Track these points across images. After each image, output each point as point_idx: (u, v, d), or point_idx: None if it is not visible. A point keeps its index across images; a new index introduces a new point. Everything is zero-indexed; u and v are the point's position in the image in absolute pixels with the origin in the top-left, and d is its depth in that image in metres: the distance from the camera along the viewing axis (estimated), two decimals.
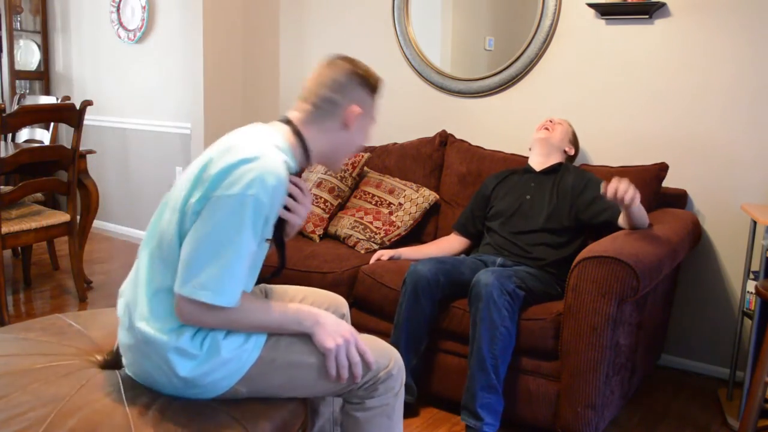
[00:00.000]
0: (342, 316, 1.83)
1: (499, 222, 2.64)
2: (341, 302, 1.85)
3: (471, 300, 2.22)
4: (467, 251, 2.77)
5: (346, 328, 1.49)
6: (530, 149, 2.79)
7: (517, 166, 2.84)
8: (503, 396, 2.20)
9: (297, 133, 1.53)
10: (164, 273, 1.43)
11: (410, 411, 2.40)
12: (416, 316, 2.34)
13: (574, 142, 2.79)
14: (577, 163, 2.90)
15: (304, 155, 1.54)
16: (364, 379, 1.49)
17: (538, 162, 2.72)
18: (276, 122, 1.57)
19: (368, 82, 1.61)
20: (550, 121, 2.75)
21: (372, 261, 2.69)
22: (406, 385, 2.29)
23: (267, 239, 1.48)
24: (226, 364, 1.42)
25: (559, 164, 2.69)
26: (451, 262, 2.44)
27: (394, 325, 2.38)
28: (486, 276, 2.19)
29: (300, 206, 1.52)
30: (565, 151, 2.73)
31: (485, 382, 2.15)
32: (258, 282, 1.66)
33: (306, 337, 1.49)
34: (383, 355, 1.53)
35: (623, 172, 2.72)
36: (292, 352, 1.47)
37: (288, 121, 1.55)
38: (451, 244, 2.79)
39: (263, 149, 1.41)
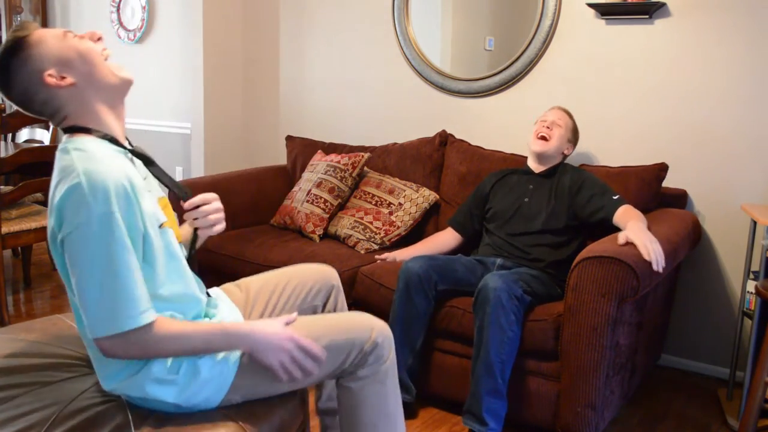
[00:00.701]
0: (331, 288, 1.82)
1: (498, 224, 2.64)
2: (330, 274, 1.83)
3: (478, 304, 2.20)
4: (461, 247, 2.77)
5: (284, 337, 1.41)
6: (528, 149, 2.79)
7: (516, 166, 2.83)
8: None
9: (81, 129, 1.39)
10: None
11: (409, 411, 2.40)
12: (409, 313, 2.33)
13: (574, 139, 2.73)
14: (577, 162, 2.89)
15: (94, 130, 1.40)
16: (351, 357, 1.50)
17: (536, 166, 2.72)
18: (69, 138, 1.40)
19: (13, 50, 1.36)
20: (548, 128, 2.66)
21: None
22: (404, 385, 2.29)
23: (160, 225, 1.39)
24: (209, 382, 1.41)
25: (557, 165, 2.69)
26: (443, 260, 2.44)
27: (388, 324, 2.37)
28: (494, 280, 2.18)
29: (206, 219, 1.53)
30: (563, 153, 2.72)
31: (492, 386, 2.14)
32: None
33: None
34: (361, 329, 1.53)
35: (623, 172, 2.72)
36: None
37: (69, 130, 1.41)
38: (445, 239, 2.79)
39: (78, 165, 1.28)
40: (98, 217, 1.25)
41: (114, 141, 1.42)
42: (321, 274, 1.82)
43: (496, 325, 2.13)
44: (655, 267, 2.06)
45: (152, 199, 1.41)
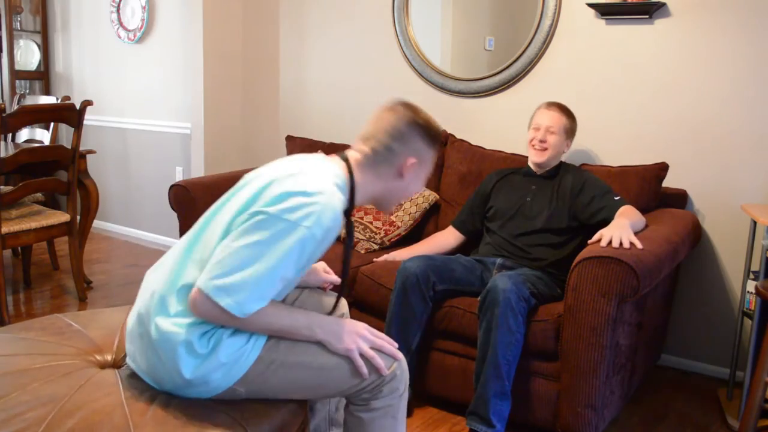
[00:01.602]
0: (342, 316, 1.83)
1: (499, 223, 2.64)
2: (341, 302, 1.85)
3: (486, 305, 2.19)
4: (462, 247, 2.77)
5: (359, 325, 1.52)
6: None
7: (518, 166, 2.83)
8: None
9: (351, 174, 1.55)
10: (194, 273, 1.44)
11: (407, 410, 2.40)
12: (406, 313, 2.33)
13: (570, 134, 2.68)
14: (577, 162, 2.89)
15: (350, 197, 1.56)
16: (366, 381, 1.49)
17: (537, 168, 2.71)
18: (336, 157, 1.59)
19: (428, 134, 1.60)
20: (541, 140, 2.60)
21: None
22: None
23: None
24: (223, 366, 1.42)
25: (558, 166, 2.69)
26: (441, 260, 2.44)
27: (385, 323, 2.38)
28: (503, 282, 2.17)
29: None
30: (562, 152, 2.71)
31: (499, 388, 2.14)
32: None
33: (307, 341, 1.49)
34: (386, 357, 1.52)
35: (623, 171, 2.72)
36: (292, 354, 1.47)
37: (346, 159, 1.58)
38: (446, 239, 2.79)
39: (327, 186, 1.43)
40: (309, 231, 1.38)
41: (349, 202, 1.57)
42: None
43: (505, 327, 2.12)
44: (627, 246, 2.08)
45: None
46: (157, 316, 1.44)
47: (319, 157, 1.58)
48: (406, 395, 1.57)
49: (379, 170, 1.57)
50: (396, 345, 1.55)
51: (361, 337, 1.50)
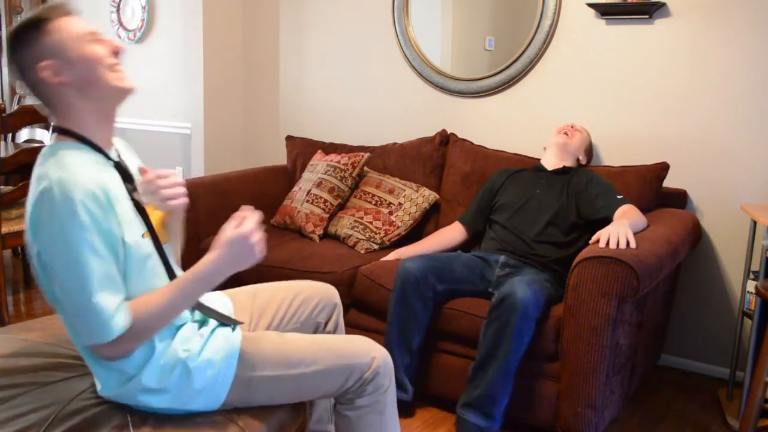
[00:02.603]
0: (334, 307, 1.83)
1: (506, 216, 2.64)
2: (333, 293, 1.85)
3: (500, 309, 2.16)
4: (467, 243, 2.77)
5: (240, 239, 1.34)
6: (545, 148, 2.82)
7: (522, 166, 2.85)
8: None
9: (63, 131, 1.36)
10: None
11: (407, 410, 2.40)
12: (405, 314, 2.34)
13: (589, 152, 2.83)
14: None
15: (88, 141, 1.37)
16: (350, 382, 1.50)
17: (551, 162, 2.73)
18: (52, 139, 1.39)
19: (31, 27, 1.32)
20: (572, 127, 2.78)
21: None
22: (401, 384, 2.29)
23: (141, 235, 1.37)
24: (201, 392, 1.41)
25: (570, 168, 2.71)
26: (443, 260, 2.44)
27: (387, 324, 2.38)
28: (522, 290, 2.15)
29: (161, 191, 1.39)
30: (578, 159, 2.76)
31: (506, 389, 2.18)
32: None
33: (281, 351, 1.48)
34: (363, 356, 1.52)
35: (623, 171, 2.72)
36: (268, 369, 1.46)
37: (56, 130, 1.38)
38: (451, 236, 2.79)
39: (52, 173, 1.26)
40: (65, 227, 1.23)
41: (96, 149, 1.38)
42: (325, 293, 1.83)
43: (518, 334, 2.13)
44: (623, 245, 2.08)
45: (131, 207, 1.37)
46: (99, 388, 1.43)
47: (48, 150, 1.36)
48: (392, 391, 1.57)
49: (54, 102, 1.35)
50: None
51: (250, 247, 1.35)
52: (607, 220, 2.43)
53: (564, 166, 2.71)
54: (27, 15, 1.34)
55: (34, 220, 1.27)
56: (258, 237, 1.36)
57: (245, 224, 1.36)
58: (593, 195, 2.53)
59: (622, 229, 2.16)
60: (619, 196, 2.49)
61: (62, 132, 1.37)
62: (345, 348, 1.54)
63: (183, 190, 1.44)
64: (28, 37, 1.32)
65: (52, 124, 1.41)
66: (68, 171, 1.27)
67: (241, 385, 1.44)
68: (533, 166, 2.79)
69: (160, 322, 1.36)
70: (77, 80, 1.34)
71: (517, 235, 2.57)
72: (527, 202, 2.62)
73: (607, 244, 2.12)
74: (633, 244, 2.11)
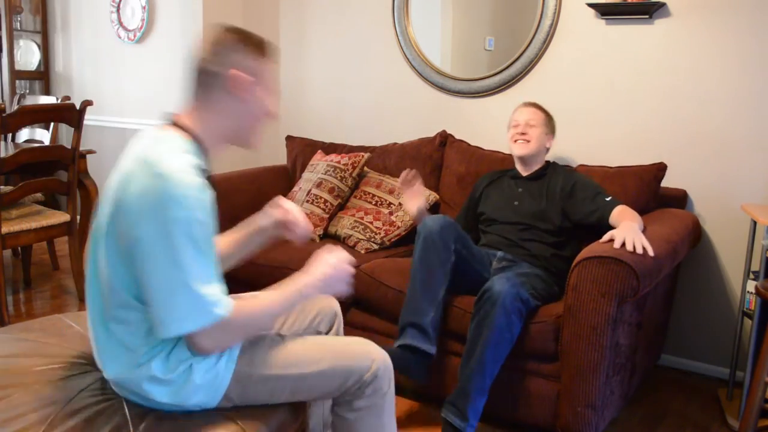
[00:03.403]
0: (334, 315, 1.84)
1: (490, 225, 2.67)
2: (333, 302, 1.86)
3: (480, 302, 2.19)
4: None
5: (336, 269, 1.54)
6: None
7: (510, 167, 2.84)
8: (494, 395, 2.20)
9: (185, 129, 1.43)
10: (111, 306, 1.39)
11: (430, 365, 2.34)
12: (429, 262, 2.30)
13: (551, 129, 2.73)
14: (576, 163, 2.90)
15: (202, 148, 1.44)
16: (348, 383, 1.50)
17: (523, 169, 2.73)
18: (165, 127, 1.45)
19: (245, 40, 1.45)
20: (523, 134, 2.66)
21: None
22: (426, 335, 2.26)
23: None
24: (201, 387, 1.41)
25: (546, 166, 2.70)
26: (463, 231, 2.43)
27: (410, 278, 2.35)
28: (500, 283, 2.16)
29: (294, 228, 1.66)
30: (546, 148, 2.73)
31: (481, 385, 2.15)
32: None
33: (281, 350, 1.49)
34: (362, 358, 1.52)
35: (621, 171, 2.72)
36: (267, 368, 1.47)
37: (173, 123, 1.45)
38: None
39: (168, 164, 1.31)
40: (182, 219, 1.29)
41: (203, 157, 1.45)
42: (325, 302, 1.84)
43: (496, 327, 2.12)
44: (639, 251, 2.07)
45: None
46: (105, 370, 1.44)
47: (154, 132, 1.44)
48: (390, 394, 1.57)
49: (211, 104, 1.44)
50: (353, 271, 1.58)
51: (342, 277, 1.54)
52: (602, 223, 2.43)
53: (538, 169, 2.70)
54: (254, 34, 1.48)
55: (140, 206, 1.30)
56: (352, 275, 1.56)
57: (345, 258, 1.56)
58: (580, 200, 2.53)
59: (637, 235, 2.13)
60: (607, 198, 2.49)
61: (181, 127, 1.43)
62: (345, 350, 1.54)
63: (310, 228, 1.71)
64: (249, 48, 1.45)
65: (173, 113, 1.47)
66: (185, 165, 1.33)
67: (239, 382, 1.44)
68: (511, 171, 2.78)
69: (257, 322, 1.44)
70: (247, 108, 1.46)
71: (507, 237, 2.57)
72: (507, 212, 2.63)
73: (622, 245, 2.10)
74: (651, 252, 2.10)
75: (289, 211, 1.72)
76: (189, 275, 1.30)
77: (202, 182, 1.35)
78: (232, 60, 1.42)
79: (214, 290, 1.34)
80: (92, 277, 1.44)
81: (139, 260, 1.31)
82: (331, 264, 1.53)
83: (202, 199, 1.33)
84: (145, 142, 1.41)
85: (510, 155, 2.98)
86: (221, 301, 1.35)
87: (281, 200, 1.75)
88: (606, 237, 2.19)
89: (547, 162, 2.74)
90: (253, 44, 1.45)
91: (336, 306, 1.86)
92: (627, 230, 2.17)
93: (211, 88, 1.43)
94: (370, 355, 1.53)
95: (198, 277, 1.31)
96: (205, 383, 1.41)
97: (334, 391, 1.51)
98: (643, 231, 2.27)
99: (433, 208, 3.06)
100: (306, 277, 1.51)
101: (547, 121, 2.71)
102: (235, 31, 1.46)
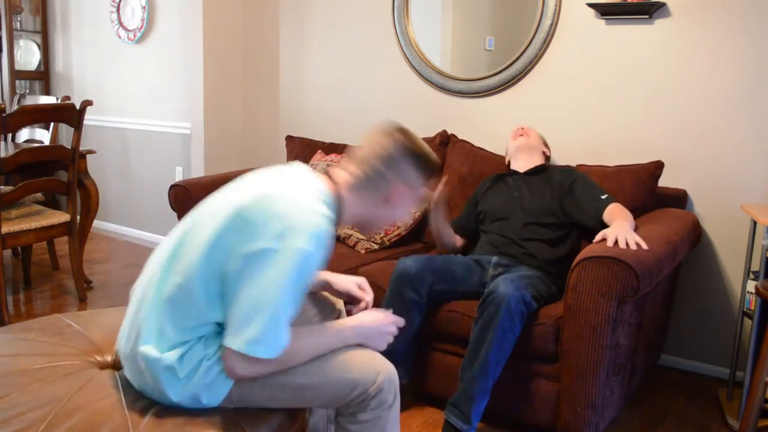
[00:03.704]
0: (339, 314, 1.84)
1: (490, 223, 2.67)
2: (338, 304, 1.86)
3: (485, 305, 2.18)
4: (466, 249, 2.77)
5: (380, 321, 1.59)
6: (508, 162, 2.85)
7: (509, 170, 2.85)
8: (494, 395, 2.20)
9: (338, 194, 1.54)
10: (182, 307, 1.42)
11: (407, 411, 2.40)
12: (400, 306, 2.30)
13: (546, 144, 2.88)
14: (575, 162, 2.90)
15: (338, 217, 1.54)
16: (353, 395, 1.49)
17: (521, 165, 2.76)
18: (317, 172, 1.56)
19: (423, 164, 1.58)
20: (522, 128, 2.83)
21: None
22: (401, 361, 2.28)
23: None
24: (208, 386, 1.42)
25: (543, 166, 2.73)
26: (441, 260, 2.44)
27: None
28: (505, 285, 2.17)
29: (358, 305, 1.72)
30: (543, 152, 2.80)
31: (484, 386, 2.15)
32: None
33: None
34: (368, 370, 1.51)
35: (619, 170, 2.72)
36: (272, 375, 1.46)
37: (328, 174, 1.56)
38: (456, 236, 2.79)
39: (311, 202, 1.41)
40: (305, 252, 1.35)
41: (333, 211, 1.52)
42: (331, 301, 1.85)
43: (501, 330, 2.13)
44: (633, 247, 2.09)
45: None
46: (142, 341, 1.44)
47: (296, 167, 1.56)
48: (396, 407, 1.56)
49: (366, 194, 1.56)
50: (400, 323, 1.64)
51: (388, 335, 1.59)
52: (596, 219, 2.45)
53: (536, 166, 2.73)
54: (431, 154, 1.59)
55: (272, 225, 1.36)
56: (392, 334, 1.61)
57: (394, 321, 1.61)
58: (577, 197, 2.54)
59: (629, 233, 2.16)
60: (603, 196, 2.50)
61: (333, 181, 1.55)
62: (351, 362, 1.52)
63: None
64: (425, 171, 1.58)
65: (333, 166, 1.61)
66: (322, 209, 1.42)
67: (243, 386, 1.44)
68: (508, 172, 2.80)
69: (298, 362, 1.46)
70: (394, 213, 1.61)
71: (506, 237, 2.57)
72: (507, 207, 2.64)
73: (615, 244, 2.12)
74: (644, 246, 2.11)
75: (366, 300, 1.76)
76: (281, 305, 1.35)
77: (330, 232, 1.42)
78: (405, 175, 1.55)
79: (287, 330, 1.39)
80: (171, 258, 1.46)
81: (247, 270, 1.35)
82: (380, 319, 1.58)
83: (325, 246, 1.40)
84: (293, 172, 1.52)
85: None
86: (286, 337, 1.39)
87: (366, 285, 1.80)
88: (598, 237, 2.21)
89: (544, 163, 2.77)
90: (426, 167, 1.57)
91: (340, 304, 1.86)
92: (619, 229, 2.19)
93: (374, 187, 1.55)
94: (375, 367, 1.52)
95: (285, 312, 1.36)
96: (211, 382, 1.42)
97: (338, 402, 1.50)
98: (635, 230, 2.27)
99: None
100: (357, 326, 1.55)
101: (541, 137, 2.87)
102: (414, 147, 1.55)
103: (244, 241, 1.37)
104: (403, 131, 1.57)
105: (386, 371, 1.52)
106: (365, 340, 1.55)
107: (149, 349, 1.42)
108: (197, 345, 1.44)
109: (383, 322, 1.58)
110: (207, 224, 1.43)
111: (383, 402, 1.51)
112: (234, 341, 1.36)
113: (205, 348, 1.43)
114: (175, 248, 1.48)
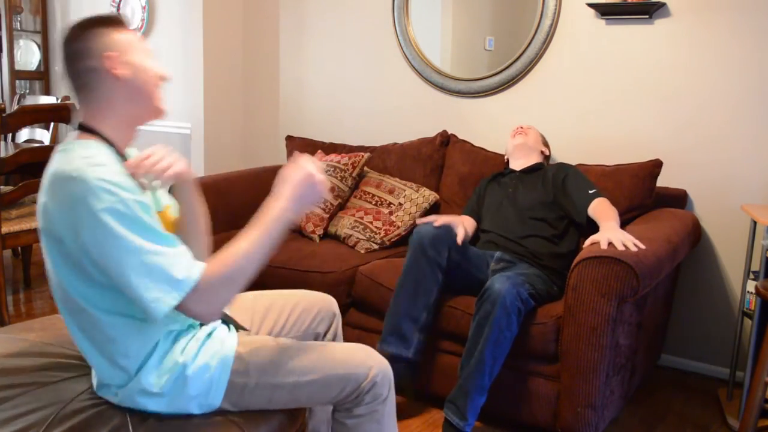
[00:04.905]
0: (333, 316, 1.84)
1: (489, 221, 2.68)
2: (332, 303, 1.86)
3: (482, 302, 2.20)
4: (475, 236, 2.77)
5: (304, 176, 1.44)
6: (507, 160, 2.87)
7: (506, 168, 2.87)
8: (494, 395, 2.20)
9: (92, 130, 1.40)
10: (82, 324, 1.38)
11: (407, 411, 2.40)
12: (420, 259, 2.33)
13: (546, 143, 2.90)
14: (575, 161, 2.90)
15: (113, 143, 1.40)
16: (347, 391, 1.49)
17: (518, 164, 2.79)
18: (73, 136, 1.42)
19: (102, 23, 1.40)
20: (521, 127, 2.86)
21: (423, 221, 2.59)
22: (405, 338, 2.30)
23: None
24: (195, 398, 1.41)
25: (540, 164, 2.76)
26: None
27: (394, 291, 2.37)
28: (501, 282, 2.18)
29: (153, 168, 1.37)
30: (542, 152, 2.82)
31: (480, 383, 2.15)
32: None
33: (276, 359, 1.47)
34: (361, 365, 1.51)
35: (617, 170, 2.73)
36: (263, 377, 1.46)
37: (82, 131, 1.41)
38: (471, 221, 2.78)
39: (76, 163, 1.29)
40: (108, 209, 1.25)
41: (117, 153, 1.40)
42: (325, 303, 1.83)
43: (496, 326, 2.13)
44: (633, 249, 2.09)
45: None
46: (96, 386, 1.44)
47: (65, 148, 1.38)
48: (391, 400, 1.56)
49: (98, 95, 1.39)
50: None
51: (315, 184, 1.44)
52: (581, 214, 2.48)
53: (533, 164, 2.75)
54: (102, 14, 1.43)
55: (71, 216, 1.27)
56: (321, 177, 1.45)
57: (307, 165, 1.44)
58: (569, 191, 2.57)
59: (624, 235, 2.16)
60: (591, 191, 2.51)
61: (87, 131, 1.40)
62: (342, 357, 1.52)
63: (173, 158, 1.42)
64: (103, 29, 1.39)
65: (77, 122, 1.43)
66: (96, 161, 1.30)
67: (235, 391, 1.44)
68: (506, 171, 2.82)
69: (242, 269, 1.34)
70: (131, 82, 1.41)
71: (504, 235, 2.58)
72: (504, 204, 2.66)
73: (610, 246, 2.12)
74: (641, 245, 2.11)
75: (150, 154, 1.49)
76: (142, 254, 1.26)
77: (111, 168, 1.30)
78: (100, 45, 1.37)
79: (176, 258, 1.29)
80: (59, 302, 1.41)
81: (100, 265, 1.28)
82: (296, 179, 1.42)
83: (120, 183, 1.28)
84: (58, 156, 1.36)
85: None
86: (189, 266, 1.30)
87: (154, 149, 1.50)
88: (588, 242, 2.21)
89: (541, 162, 2.79)
90: (112, 22, 1.41)
91: (335, 307, 1.85)
92: (609, 231, 2.19)
93: (95, 82, 1.39)
94: (367, 363, 1.52)
95: (152, 252, 1.26)
96: (200, 394, 1.41)
97: (332, 399, 1.51)
98: (645, 230, 2.27)
99: (433, 208, 3.06)
100: (277, 202, 1.41)
101: (543, 136, 2.89)
102: (86, 23, 1.40)
103: (66, 229, 1.29)
104: (66, 28, 1.41)
105: (378, 365, 1.53)
106: (302, 209, 1.45)
107: (109, 392, 1.41)
108: (163, 356, 1.40)
109: (301, 181, 1.43)
110: (42, 244, 1.38)
111: (378, 396, 1.52)
112: (156, 310, 1.27)
113: (179, 352, 1.40)
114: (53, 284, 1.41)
